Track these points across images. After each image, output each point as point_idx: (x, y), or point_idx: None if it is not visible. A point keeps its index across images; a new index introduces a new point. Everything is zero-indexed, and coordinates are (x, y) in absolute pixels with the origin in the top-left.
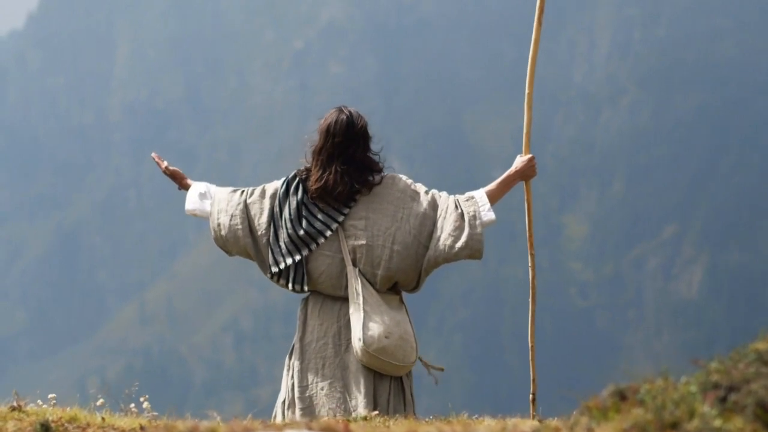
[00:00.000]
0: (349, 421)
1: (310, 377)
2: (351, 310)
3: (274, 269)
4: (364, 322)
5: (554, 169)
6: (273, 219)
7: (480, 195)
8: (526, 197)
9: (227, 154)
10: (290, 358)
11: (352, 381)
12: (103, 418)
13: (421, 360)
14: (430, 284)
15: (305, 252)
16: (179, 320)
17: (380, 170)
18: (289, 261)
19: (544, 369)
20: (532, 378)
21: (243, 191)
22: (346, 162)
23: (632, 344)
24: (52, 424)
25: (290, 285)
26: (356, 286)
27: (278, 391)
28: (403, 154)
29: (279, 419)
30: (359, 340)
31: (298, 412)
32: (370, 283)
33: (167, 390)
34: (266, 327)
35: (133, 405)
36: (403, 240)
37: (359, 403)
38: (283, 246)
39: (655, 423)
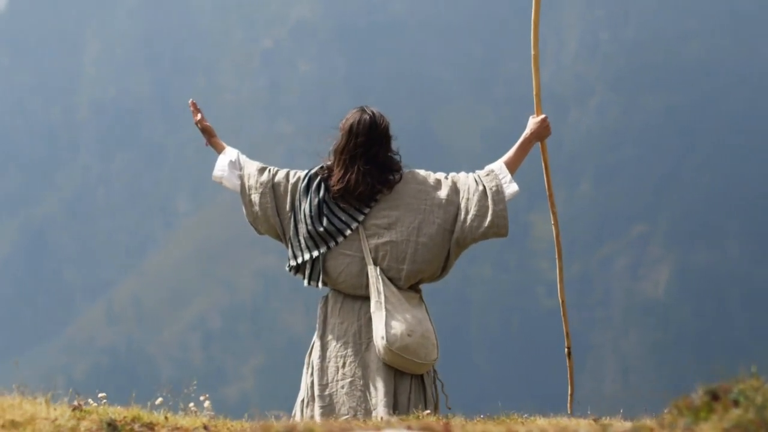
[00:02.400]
0: (447, 420)
1: (330, 375)
2: (372, 309)
3: (292, 263)
4: (387, 321)
5: (522, 168)
6: (294, 210)
7: (499, 167)
8: (543, 157)
9: (196, 153)
10: (310, 356)
11: (373, 380)
12: (166, 417)
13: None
14: None
15: (323, 249)
16: (147, 319)
17: (400, 170)
18: (307, 256)
19: (511, 368)
20: (565, 332)
21: (269, 170)
22: (368, 162)
23: (600, 343)
24: (118, 424)
25: (306, 280)
26: (377, 285)
27: (245, 390)
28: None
29: (298, 418)
30: (382, 338)
31: (317, 411)
32: (394, 279)
33: (134, 389)
34: (234, 326)
35: (192, 404)
36: (428, 231)
37: (380, 401)
38: (302, 240)
39: (757, 423)
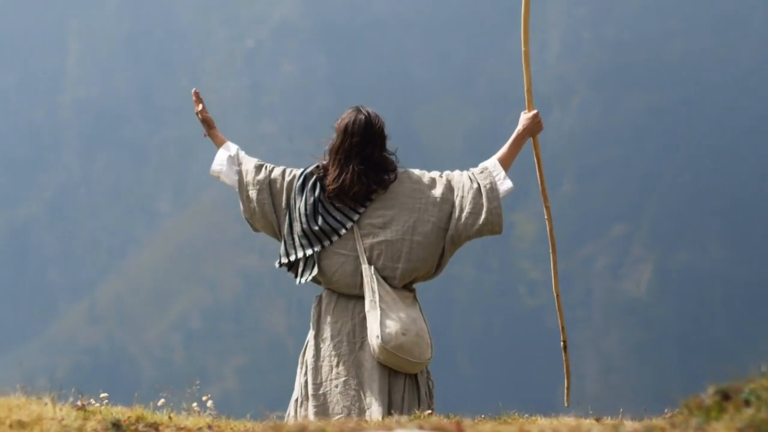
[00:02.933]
0: (459, 420)
1: (324, 374)
2: (367, 308)
3: (284, 260)
4: (382, 320)
5: None
6: (289, 208)
7: (493, 164)
8: (535, 153)
9: (179, 152)
10: (303, 355)
11: (367, 379)
12: (170, 417)
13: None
14: None
15: (317, 247)
16: (129, 319)
17: (395, 169)
18: (300, 254)
19: (493, 368)
20: (560, 326)
21: (266, 166)
22: (363, 162)
23: (581, 343)
24: (122, 424)
25: (298, 278)
26: (372, 284)
27: (227, 390)
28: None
29: (291, 417)
30: (377, 337)
31: (311, 410)
32: (389, 278)
33: (116, 389)
34: (215, 326)
35: (195, 404)
36: (423, 230)
37: (374, 401)
38: (296, 239)
39: None
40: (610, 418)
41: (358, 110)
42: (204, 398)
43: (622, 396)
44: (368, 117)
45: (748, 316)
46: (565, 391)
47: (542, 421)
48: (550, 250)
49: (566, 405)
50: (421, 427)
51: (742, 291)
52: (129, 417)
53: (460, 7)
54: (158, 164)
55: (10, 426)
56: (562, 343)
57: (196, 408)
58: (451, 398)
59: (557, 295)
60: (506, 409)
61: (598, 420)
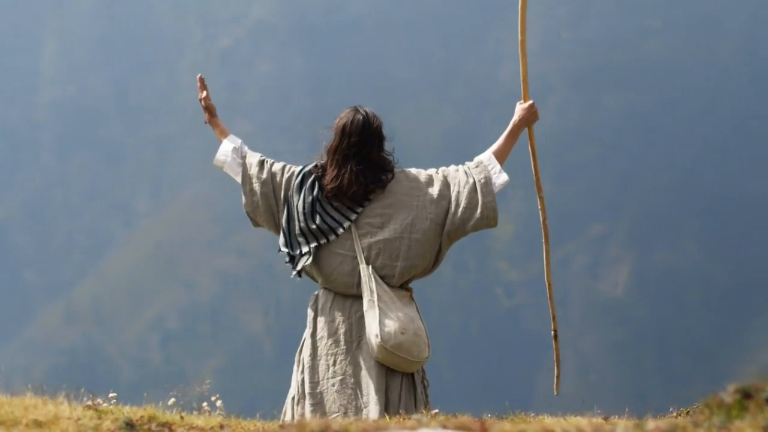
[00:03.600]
0: (484, 420)
1: (321, 373)
2: (365, 308)
3: (284, 249)
4: (380, 319)
5: None
6: (287, 205)
7: (488, 158)
8: (530, 143)
9: (156, 153)
10: (300, 353)
11: (364, 378)
12: (181, 417)
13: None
14: None
15: (314, 244)
16: (106, 319)
17: (393, 169)
18: (305, 249)
19: (470, 369)
20: (552, 315)
21: (267, 161)
22: (361, 162)
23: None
24: (135, 423)
25: (294, 271)
26: (370, 284)
27: (204, 391)
28: None
29: (288, 417)
30: (376, 336)
31: (308, 408)
32: (388, 277)
33: (93, 389)
34: (193, 326)
35: (205, 404)
36: (421, 227)
37: (371, 399)
38: (295, 236)
39: None
40: (617, 417)
41: (356, 110)
42: (213, 398)
43: (599, 396)
44: (366, 117)
45: (726, 316)
46: (555, 379)
47: (554, 421)
48: (543, 240)
49: (555, 393)
50: (444, 426)
51: (720, 291)
52: (141, 416)
53: (439, 6)
54: (135, 164)
55: (27, 425)
56: (552, 332)
57: (206, 408)
58: (431, 396)
59: (549, 285)
60: (513, 408)
61: (605, 419)
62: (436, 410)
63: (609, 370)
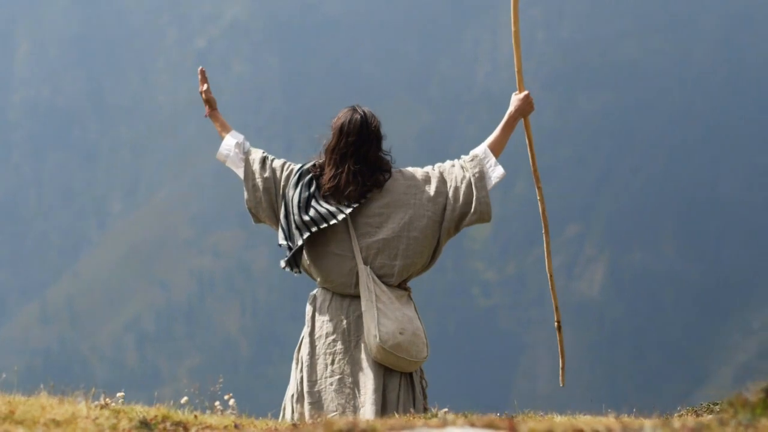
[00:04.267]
0: (512, 418)
1: (320, 372)
2: (363, 308)
3: (282, 241)
4: (379, 319)
5: None
6: (285, 201)
7: (483, 151)
8: (526, 133)
9: (130, 153)
10: (299, 352)
11: (362, 377)
12: (195, 416)
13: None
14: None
15: (306, 234)
16: (81, 320)
17: (390, 169)
18: (300, 242)
19: (447, 368)
20: (554, 306)
21: (268, 157)
22: (358, 162)
23: (534, 343)
24: (150, 422)
25: (288, 265)
26: (368, 284)
27: (180, 391)
28: (307, 154)
29: (288, 414)
30: (375, 337)
31: (307, 407)
32: (387, 276)
33: (68, 390)
34: (168, 327)
35: (218, 403)
36: (419, 225)
37: (367, 399)
38: (293, 230)
39: None
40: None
41: (354, 110)
42: (226, 397)
43: (575, 395)
44: (364, 116)
45: (700, 315)
46: (560, 371)
47: (583, 420)
48: (543, 231)
49: (561, 385)
50: (472, 425)
51: (694, 291)
52: (156, 416)
53: (413, 7)
54: (110, 165)
55: (45, 425)
56: (556, 323)
57: (219, 407)
58: None
59: (550, 276)
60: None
61: (616, 418)
62: (446, 409)
63: (585, 370)
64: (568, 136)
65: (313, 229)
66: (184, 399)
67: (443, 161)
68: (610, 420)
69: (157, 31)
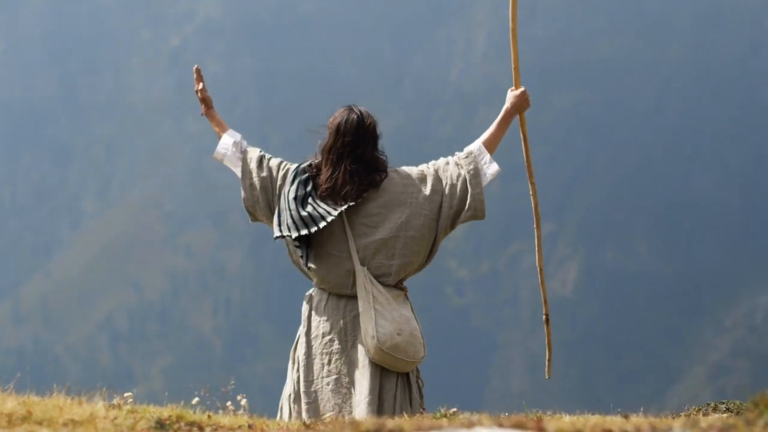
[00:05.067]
0: (539, 417)
1: (316, 372)
2: (361, 309)
3: (277, 233)
4: (377, 320)
5: None
6: (280, 198)
7: (477, 147)
8: (521, 130)
9: (104, 152)
10: (295, 352)
11: (359, 377)
12: (209, 416)
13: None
14: (307, 283)
15: (304, 231)
16: (54, 319)
17: (386, 169)
18: (295, 234)
19: (420, 367)
20: (543, 300)
21: (265, 155)
22: (355, 161)
23: (507, 342)
24: (165, 422)
25: (304, 259)
26: (366, 285)
27: (153, 391)
28: (281, 153)
29: (286, 414)
30: (373, 338)
31: (303, 407)
32: (384, 276)
33: (41, 390)
34: (141, 326)
35: (229, 403)
36: (416, 224)
37: (362, 400)
38: (287, 224)
39: None
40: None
41: (350, 109)
42: (239, 397)
43: (549, 394)
44: (360, 116)
45: (673, 314)
46: (547, 363)
47: (611, 419)
48: (535, 226)
49: (547, 377)
50: (501, 425)
51: (667, 290)
52: (170, 416)
53: (387, 6)
54: (83, 164)
55: (64, 425)
56: (544, 316)
57: (231, 407)
58: None
59: (540, 270)
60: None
61: (626, 417)
62: (454, 409)
63: (559, 369)
64: (541, 134)
65: (313, 229)
66: (195, 399)
67: (420, 161)
68: (639, 420)
69: (132, 30)
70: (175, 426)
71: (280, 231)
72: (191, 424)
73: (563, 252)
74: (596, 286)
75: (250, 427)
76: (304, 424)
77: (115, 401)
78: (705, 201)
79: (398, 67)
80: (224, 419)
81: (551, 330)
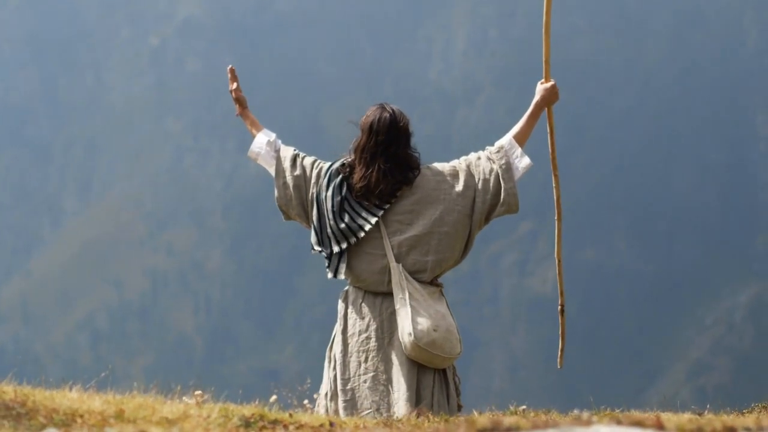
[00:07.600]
0: (659, 415)
1: (353, 369)
2: (397, 306)
3: (317, 248)
4: (413, 317)
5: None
6: (317, 201)
7: (508, 142)
8: (548, 122)
9: (84, 151)
10: (331, 350)
11: (396, 374)
12: (290, 414)
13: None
14: (288, 282)
15: (344, 245)
16: (34, 319)
17: (419, 166)
18: (336, 249)
19: None
20: (560, 290)
21: (300, 154)
22: (388, 160)
23: (488, 340)
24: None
25: (332, 273)
26: (401, 282)
27: (138, 389)
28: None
29: (322, 411)
30: (410, 334)
31: (341, 404)
32: (420, 272)
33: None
34: (122, 326)
35: (306, 401)
36: (450, 219)
37: (401, 396)
38: (327, 234)
39: None
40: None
41: (382, 108)
42: (315, 396)
43: (529, 392)
44: (393, 115)
45: (653, 312)
46: (559, 353)
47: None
48: (556, 218)
49: (559, 367)
50: (619, 423)
51: (647, 287)
52: (253, 414)
53: (366, 5)
54: (63, 163)
55: (158, 423)
56: (559, 306)
57: (308, 405)
58: None
59: (559, 261)
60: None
61: (741, 414)
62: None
63: (539, 367)
64: None
65: (352, 241)
66: (273, 398)
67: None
68: (753, 417)
69: (111, 29)
70: (259, 424)
71: (321, 247)
72: (274, 422)
73: (543, 250)
74: (576, 284)
75: (331, 425)
76: (383, 422)
77: (194, 399)
78: (684, 199)
79: (378, 66)
80: (305, 417)
81: (566, 321)
